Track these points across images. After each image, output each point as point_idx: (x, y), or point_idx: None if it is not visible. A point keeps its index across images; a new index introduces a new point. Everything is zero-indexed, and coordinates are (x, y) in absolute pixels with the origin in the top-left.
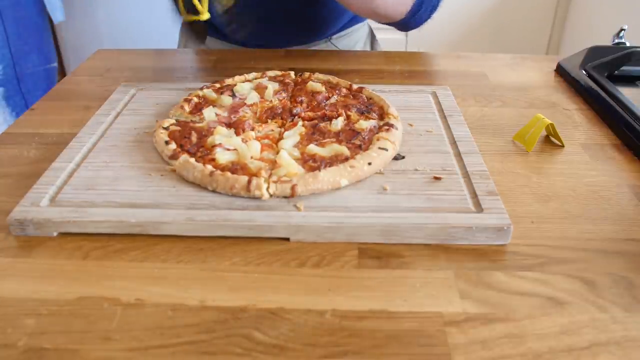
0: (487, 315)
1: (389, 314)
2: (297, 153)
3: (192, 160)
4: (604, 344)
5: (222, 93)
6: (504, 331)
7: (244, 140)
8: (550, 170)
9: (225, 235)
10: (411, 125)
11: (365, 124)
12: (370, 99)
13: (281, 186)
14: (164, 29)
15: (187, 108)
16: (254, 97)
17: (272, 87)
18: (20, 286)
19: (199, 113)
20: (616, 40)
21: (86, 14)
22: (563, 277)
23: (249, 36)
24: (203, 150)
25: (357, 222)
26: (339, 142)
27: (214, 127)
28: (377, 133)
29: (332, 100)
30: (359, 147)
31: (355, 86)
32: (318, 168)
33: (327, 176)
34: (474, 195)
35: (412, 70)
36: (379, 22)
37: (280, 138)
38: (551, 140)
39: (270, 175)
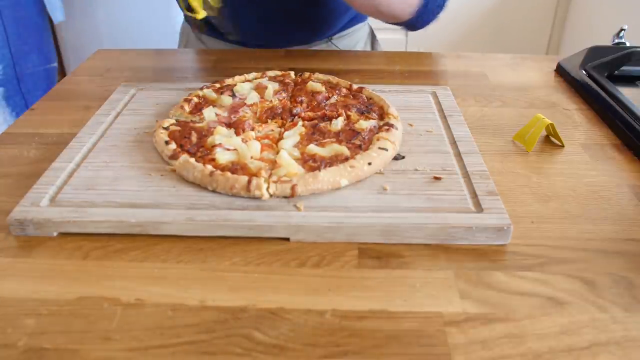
0: (487, 315)
1: (389, 314)
2: (297, 153)
3: (192, 160)
4: (604, 344)
5: (222, 93)
6: (504, 331)
7: (244, 140)
8: (550, 170)
9: (225, 235)
10: (411, 125)
11: (365, 124)
12: (370, 99)
13: (281, 186)
14: (164, 29)
15: (187, 108)
16: (254, 97)
17: (272, 87)
18: (20, 286)
19: (199, 113)
20: (616, 40)
21: (86, 14)
22: (563, 277)
23: (249, 36)
24: (203, 150)
25: (357, 222)
26: (339, 142)
27: (214, 127)
28: (377, 133)
29: (332, 100)
30: (359, 147)
31: (355, 86)
32: (318, 168)
33: (327, 176)
34: (474, 195)
35: (412, 70)
36: (386, 22)
37: (280, 138)
38: (551, 140)
39: (270, 175)
